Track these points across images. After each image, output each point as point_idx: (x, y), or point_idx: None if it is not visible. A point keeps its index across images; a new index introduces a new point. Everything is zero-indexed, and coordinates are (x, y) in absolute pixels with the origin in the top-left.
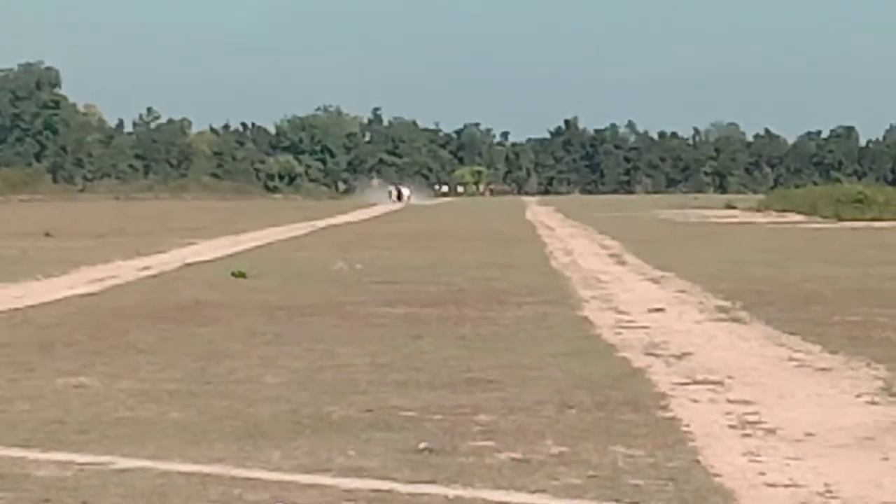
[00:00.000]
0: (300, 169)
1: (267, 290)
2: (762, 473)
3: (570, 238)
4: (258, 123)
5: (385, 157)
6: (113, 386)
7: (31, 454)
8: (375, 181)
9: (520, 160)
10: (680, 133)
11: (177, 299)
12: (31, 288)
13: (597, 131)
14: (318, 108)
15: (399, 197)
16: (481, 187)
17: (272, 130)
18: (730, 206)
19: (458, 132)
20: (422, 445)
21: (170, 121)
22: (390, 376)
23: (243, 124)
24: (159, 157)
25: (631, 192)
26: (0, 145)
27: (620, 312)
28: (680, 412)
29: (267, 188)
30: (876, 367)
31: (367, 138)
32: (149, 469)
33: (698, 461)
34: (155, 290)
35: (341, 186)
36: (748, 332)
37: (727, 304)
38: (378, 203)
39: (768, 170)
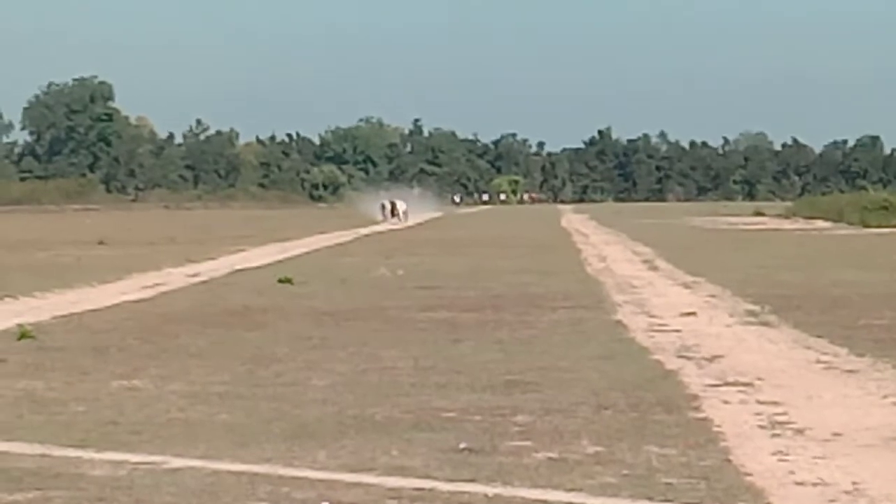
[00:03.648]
0: (343, 178)
1: (312, 296)
2: (791, 472)
3: (604, 245)
4: (303, 134)
5: (425, 166)
6: (164, 388)
7: (87, 454)
8: (416, 190)
9: (555, 169)
10: (710, 143)
11: (225, 305)
12: (85, 294)
13: (629, 141)
14: (361, 120)
15: (393, 212)
16: (523, 196)
17: (317, 141)
18: (758, 214)
19: (496, 142)
20: (462, 445)
21: (218, 132)
22: (432, 379)
23: (289, 135)
24: (208, 168)
25: (663, 200)
26: (55, 157)
27: (653, 316)
28: (711, 413)
29: (312, 197)
30: None
31: (408, 148)
32: (199, 468)
33: (729, 460)
34: (204, 296)
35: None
36: (777, 335)
37: (756, 308)
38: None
39: (796, 178)
